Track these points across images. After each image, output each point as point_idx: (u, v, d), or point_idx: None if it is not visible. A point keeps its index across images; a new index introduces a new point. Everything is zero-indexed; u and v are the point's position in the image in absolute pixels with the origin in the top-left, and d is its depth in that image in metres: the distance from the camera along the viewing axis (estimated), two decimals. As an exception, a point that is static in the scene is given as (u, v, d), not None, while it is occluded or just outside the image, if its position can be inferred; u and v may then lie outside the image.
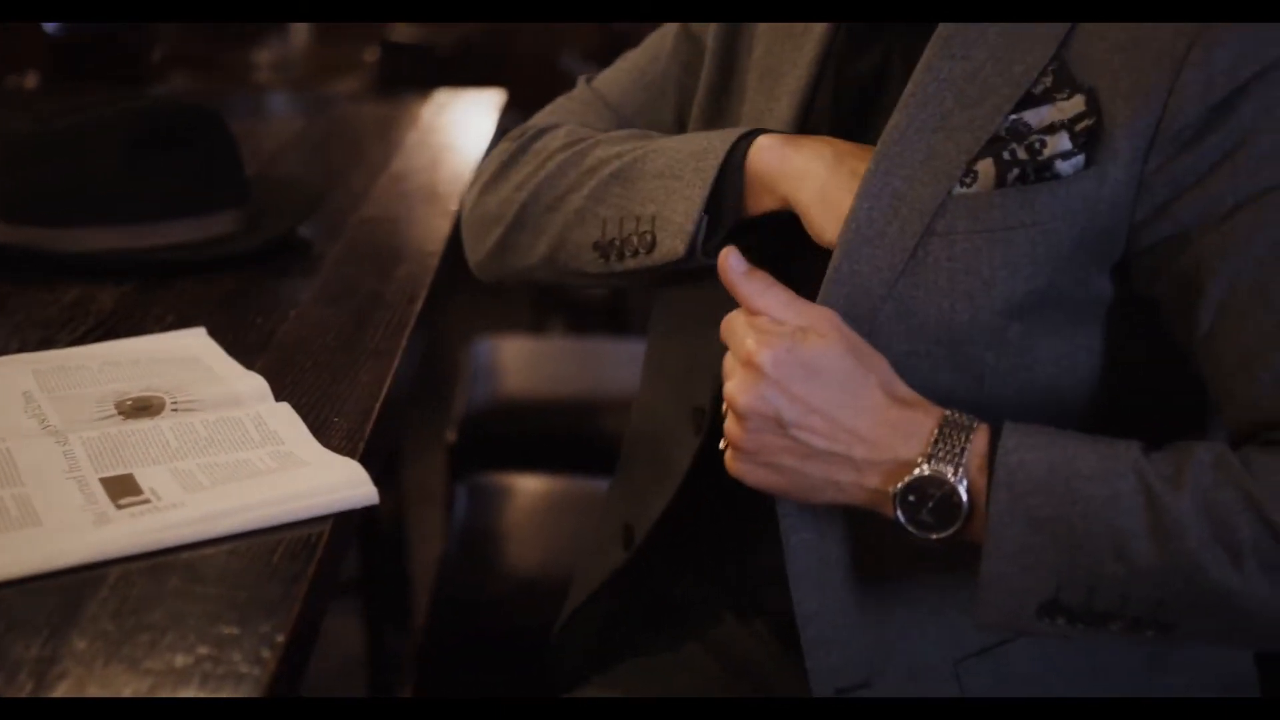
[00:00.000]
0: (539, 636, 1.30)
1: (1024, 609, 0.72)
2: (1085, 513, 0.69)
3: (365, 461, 0.79)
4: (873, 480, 0.73)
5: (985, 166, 0.74)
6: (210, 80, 2.46)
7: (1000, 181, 0.74)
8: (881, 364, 0.74)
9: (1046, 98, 0.74)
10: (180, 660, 0.61)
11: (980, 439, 0.72)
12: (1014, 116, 0.74)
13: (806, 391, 0.72)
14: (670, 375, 0.97)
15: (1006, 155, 0.74)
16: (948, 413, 0.73)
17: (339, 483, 0.75)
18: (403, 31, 3.10)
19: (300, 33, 3.40)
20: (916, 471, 0.71)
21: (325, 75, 2.57)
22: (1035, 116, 0.73)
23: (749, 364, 0.72)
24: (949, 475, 0.71)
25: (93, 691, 0.59)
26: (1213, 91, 0.70)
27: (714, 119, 0.94)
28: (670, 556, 0.99)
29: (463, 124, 1.74)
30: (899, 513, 0.73)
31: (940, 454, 0.71)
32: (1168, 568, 0.68)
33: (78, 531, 0.70)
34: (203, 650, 0.62)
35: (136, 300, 1.03)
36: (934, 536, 0.72)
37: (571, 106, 1.03)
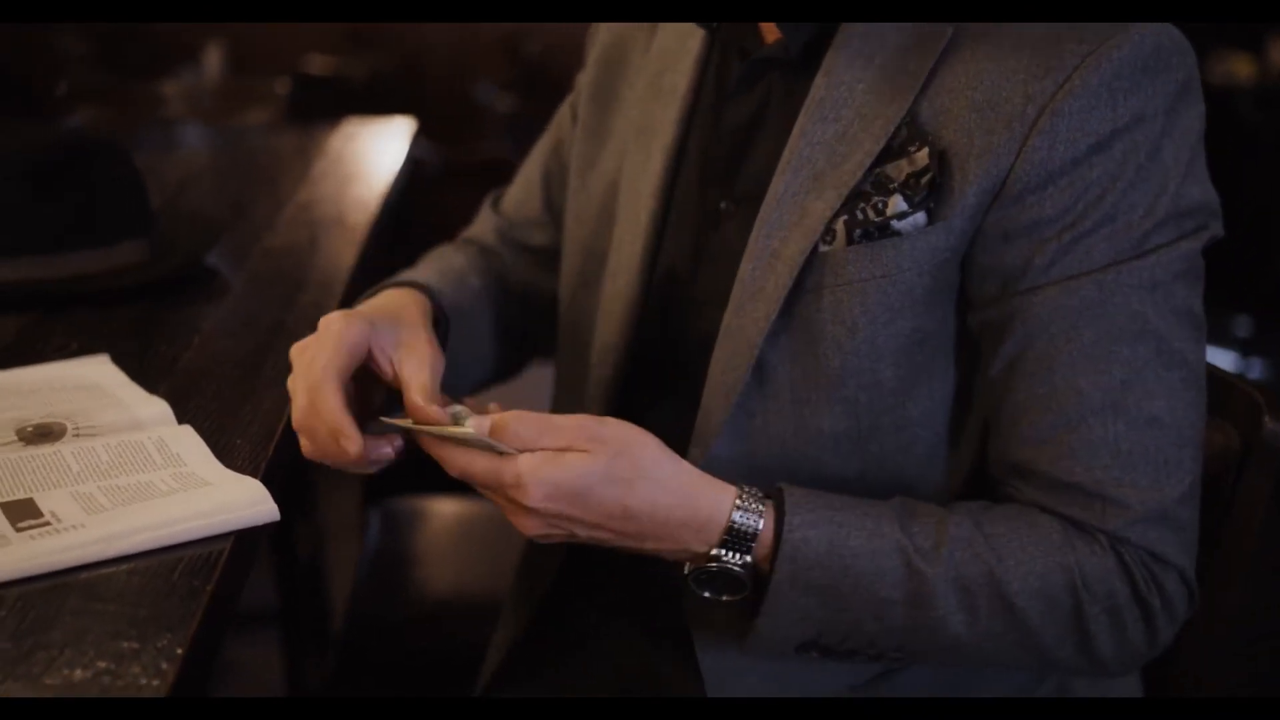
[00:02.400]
0: (451, 657, 1.32)
1: (786, 648, 0.81)
2: (855, 584, 0.77)
3: (267, 483, 0.81)
4: (671, 557, 0.79)
5: (840, 226, 0.80)
6: (118, 113, 2.45)
7: (850, 239, 0.80)
8: (653, 457, 0.76)
9: (902, 150, 0.79)
10: (79, 675, 0.62)
11: (767, 525, 0.77)
12: (877, 170, 0.79)
13: (584, 511, 0.75)
14: (568, 404, 1.01)
15: (859, 214, 0.80)
16: (737, 501, 0.77)
17: (240, 501, 0.77)
18: (315, 63, 3.11)
19: (211, 65, 3.39)
20: (711, 565, 0.77)
21: (236, 107, 2.57)
22: (894, 169, 0.79)
23: (518, 505, 0.75)
24: (737, 567, 0.77)
25: (-9, 707, 0.60)
26: (1054, 159, 0.75)
27: (587, 171, 1.00)
28: (582, 579, 1.02)
29: (372, 152, 1.76)
30: (690, 581, 0.79)
31: (731, 543, 0.77)
32: (917, 626, 0.78)
33: (-23, 554, 0.71)
34: (101, 664, 0.63)
35: (38, 330, 1.04)
36: (706, 595, 0.80)
37: (478, 223, 1.16)
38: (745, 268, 0.83)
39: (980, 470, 0.86)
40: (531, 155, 1.13)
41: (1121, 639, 0.78)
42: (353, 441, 0.77)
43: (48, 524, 0.74)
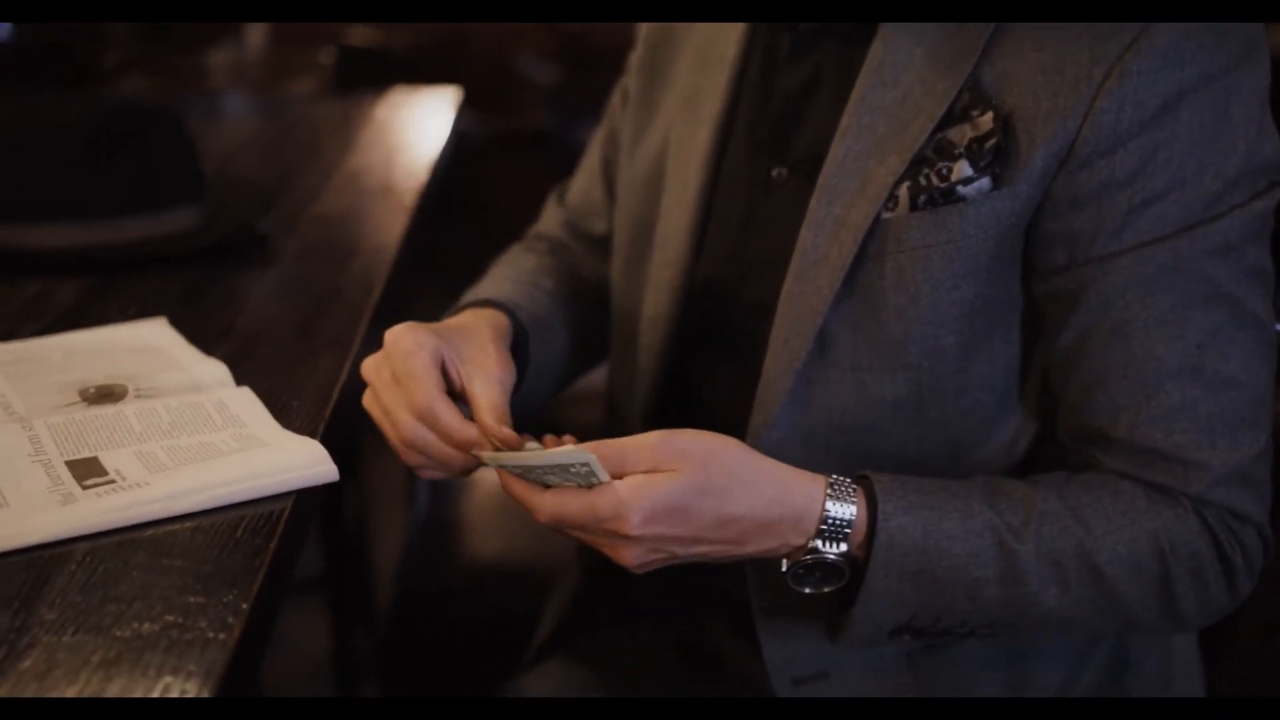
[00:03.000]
0: (499, 624, 1.33)
1: (880, 634, 0.81)
2: (949, 567, 0.77)
3: (324, 444, 0.82)
4: (768, 556, 0.78)
5: (903, 192, 0.79)
6: (164, 84, 2.46)
7: (913, 205, 0.79)
8: (738, 459, 0.75)
9: (964, 115, 0.78)
10: (147, 627, 0.63)
11: (860, 513, 0.76)
12: (939, 135, 0.78)
13: (684, 528, 0.73)
14: (620, 370, 1.01)
15: (923, 180, 0.79)
16: (829, 491, 0.76)
17: (300, 461, 0.78)
18: (359, 34, 3.12)
19: (255, 36, 3.41)
20: (807, 557, 0.77)
21: (281, 78, 2.57)
22: (957, 133, 0.78)
23: (617, 536, 0.73)
24: (837, 555, 0.76)
25: (62, 658, 0.61)
26: (1122, 121, 0.74)
27: (636, 143, 1.00)
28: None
29: (418, 121, 1.77)
30: (789, 578, 0.78)
31: (826, 534, 0.76)
32: (1009, 603, 0.78)
33: (45, 510, 0.72)
34: (169, 618, 0.64)
35: (97, 294, 1.05)
36: (808, 590, 0.79)
37: (545, 218, 1.16)
38: (806, 235, 0.82)
39: (1039, 436, 0.85)
40: (590, 144, 1.13)
41: (1204, 597, 0.79)
42: (510, 437, 0.77)
43: (112, 482, 0.75)
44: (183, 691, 0.59)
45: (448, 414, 0.78)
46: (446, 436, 0.79)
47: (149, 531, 0.72)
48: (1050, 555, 0.76)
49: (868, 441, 0.84)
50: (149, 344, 0.95)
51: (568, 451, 0.71)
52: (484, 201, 2.69)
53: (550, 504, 0.73)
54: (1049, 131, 0.75)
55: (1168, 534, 0.77)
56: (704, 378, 0.94)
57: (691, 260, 0.92)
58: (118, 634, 0.63)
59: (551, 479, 0.73)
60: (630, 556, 0.74)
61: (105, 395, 0.86)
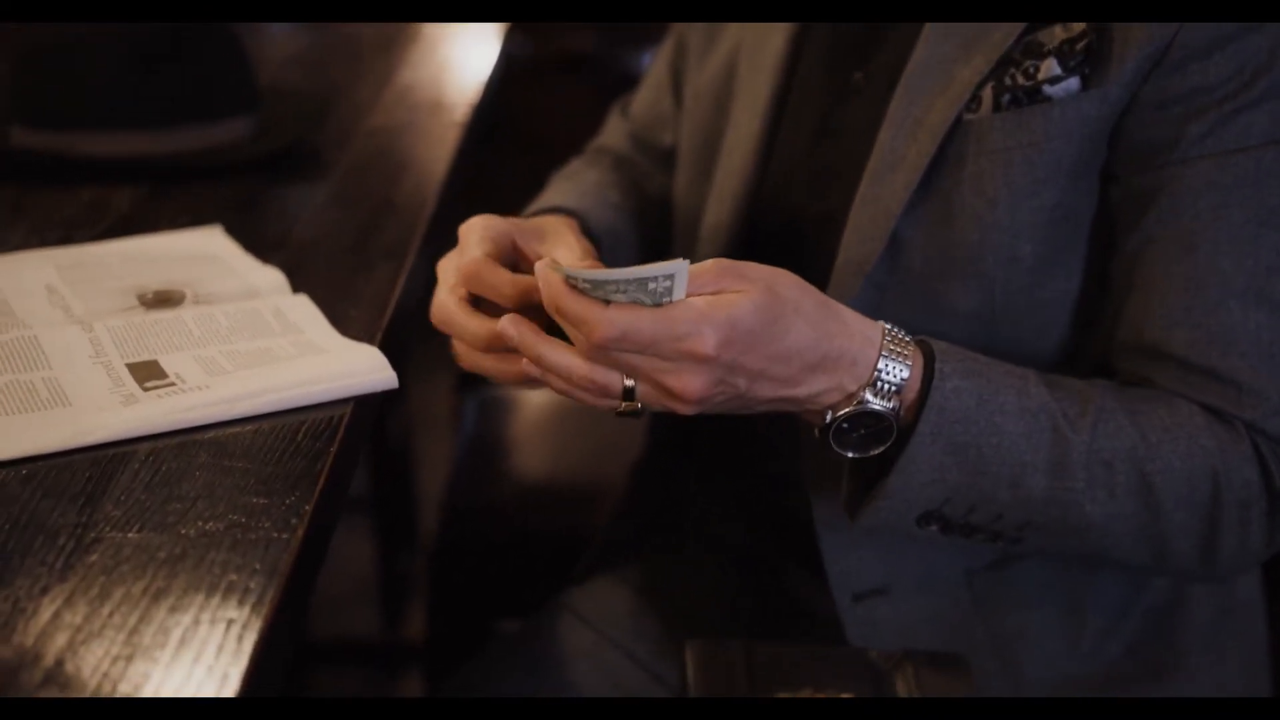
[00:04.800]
0: (548, 542, 1.33)
1: (907, 517, 0.75)
2: (999, 444, 0.73)
3: (383, 350, 0.81)
4: (813, 409, 0.73)
5: (986, 92, 0.76)
6: None
7: (997, 106, 0.76)
8: (797, 286, 0.70)
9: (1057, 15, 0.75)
10: (211, 526, 0.63)
11: (915, 370, 0.72)
12: (1028, 37, 0.76)
13: (752, 355, 0.68)
14: None
15: (1007, 80, 0.76)
16: (885, 336, 0.72)
17: (359, 367, 0.77)
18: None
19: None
20: (855, 405, 0.71)
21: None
22: (1047, 34, 0.75)
23: (690, 357, 0.66)
24: (886, 408, 0.71)
25: (128, 554, 0.61)
26: (1223, 26, 0.71)
27: (707, 50, 0.98)
28: (685, 463, 1.02)
29: (467, 39, 1.74)
30: (830, 436, 0.73)
31: (880, 386, 0.71)
32: (1051, 500, 0.74)
33: (107, 410, 0.72)
34: (234, 518, 0.64)
35: (152, 202, 1.05)
36: (850, 454, 0.73)
37: (607, 132, 1.15)
38: (885, 135, 0.80)
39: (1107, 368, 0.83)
40: (655, 58, 1.10)
41: (1244, 534, 0.76)
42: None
43: (173, 384, 0.75)
44: (246, 589, 0.59)
45: (492, 272, 0.74)
46: (493, 292, 0.74)
47: (210, 434, 0.72)
48: (1102, 454, 0.73)
49: None
50: (205, 251, 0.94)
51: (657, 265, 0.63)
52: (528, 125, 2.66)
53: (619, 318, 0.64)
54: (1145, 33, 0.72)
55: (1223, 456, 0.73)
56: None
57: (759, 169, 0.90)
58: (183, 531, 0.63)
59: (618, 297, 0.65)
60: (697, 386, 0.67)
61: (163, 300, 0.86)
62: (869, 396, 0.71)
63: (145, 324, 0.82)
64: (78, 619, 0.56)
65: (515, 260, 0.79)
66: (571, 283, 0.66)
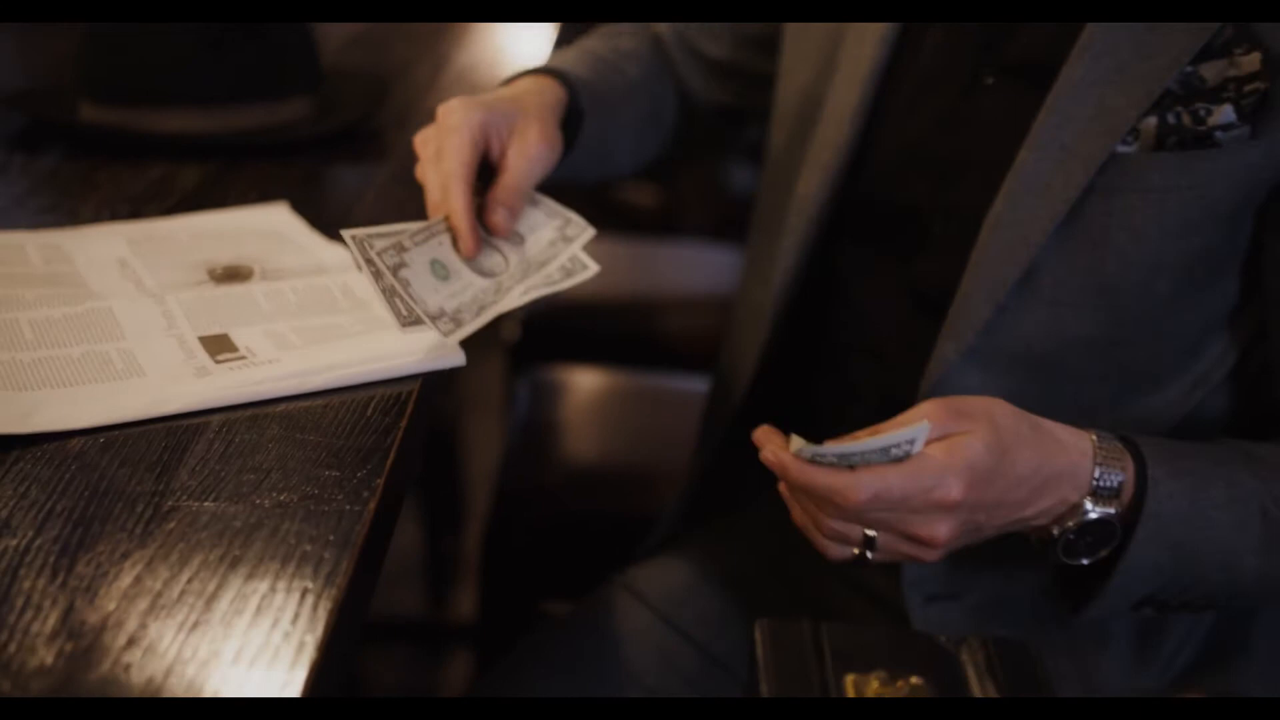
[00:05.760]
0: (601, 524, 1.34)
1: (1125, 606, 0.78)
2: (1211, 536, 0.74)
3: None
4: (1046, 520, 0.74)
5: (1148, 126, 0.74)
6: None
7: (1159, 145, 0.73)
8: (1010, 412, 0.72)
9: (1225, 51, 0.72)
10: (285, 497, 0.64)
11: (1128, 467, 0.73)
12: (1189, 69, 0.72)
13: (990, 492, 0.70)
14: (755, 267, 0.99)
15: (1171, 119, 0.73)
16: (1095, 446, 0.73)
17: (427, 345, 0.78)
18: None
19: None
20: (1080, 516, 0.73)
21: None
22: (1211, 70, 0.72)
23: (939, 507, 0.69)
24: (1108, 513, 0.73)
25: (205, 521, 0.61)
26: None
27: None
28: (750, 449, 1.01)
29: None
30: (1060, 549, 0.74)
31: (1099, 493, 0.73)
32: (1264, 576, 0.76)
33: (181, 382, 0.73)
34: (307, 489, 0.65)
35: (218, 178, 1.06)
36: (1084, 561, 0.75)
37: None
38: (1027, 156, 0.76)
39: (1210, 388, 0.82)
40: None
41: None
42: (468, 243, 0.79)
43: (244, 358, 0.76)
44: (321, 559, 0.59)
45: (458, 194, 0.79)
46: (453, 218, 0.80)
47: (280, 407, 0.73)
48: None
49: (1046, 374, 0.80)
50: (272, 227, 0.95)
51: (898, 431, 0.67)
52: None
53: (869, 483, 0.67)
54: None
55: None
56: (854, 272, 0.90)
57: (854, 144, 0.87)
58: (257, 501, 0.63)
59: (864, 462, 0.68)
60: (944, 532, 0.69)
61: (232, 275, 0.87)
62: (1090, 505, 0.73)
63: (215, 298, 0.83)
64: (158, 585, 0.57)
65: (485, 149, 0.83)
66: (819, 459, 0.68)
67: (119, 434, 0.68)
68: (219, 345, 0.77)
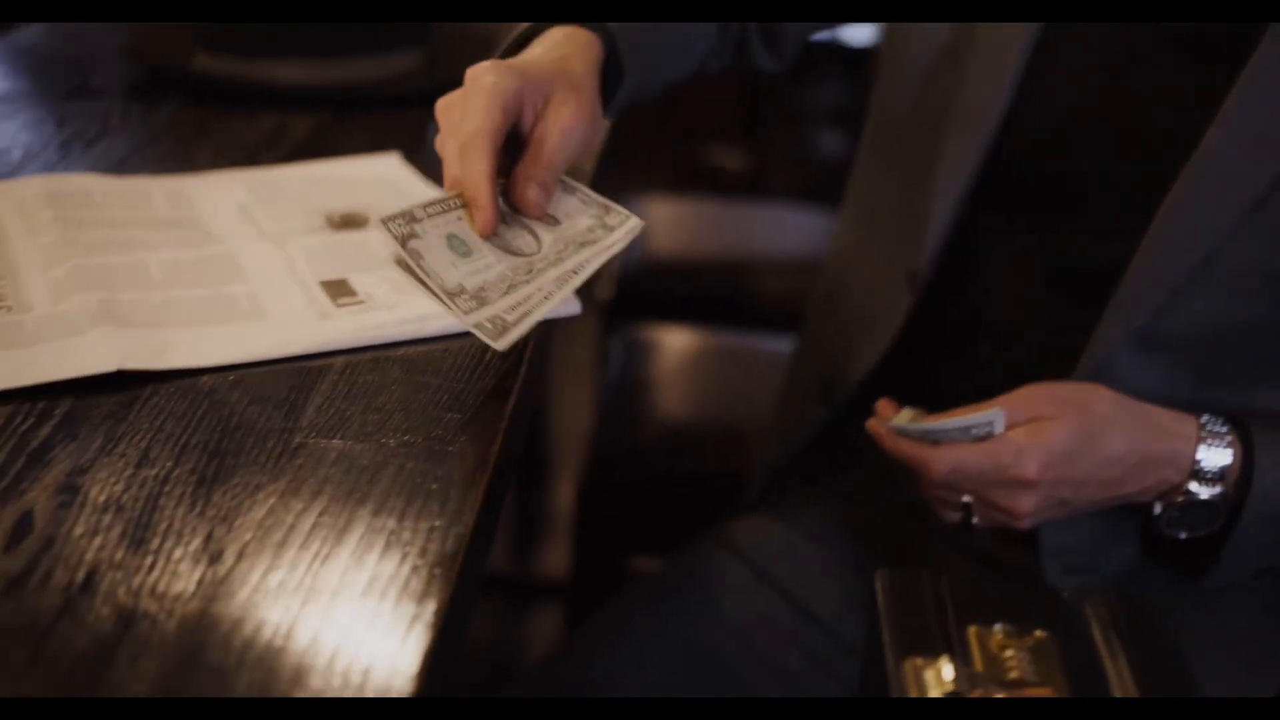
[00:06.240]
0: (695, 481, 1.34)
1: (1243, 576, 0.81)
2: None
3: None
4: (1145, 496, 0.77)
5: None
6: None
7: None
8: (1109, 399, 0.75)
9: None
10: (409, 439, 0.65)
11: (1236, 448, 0.75)
12: None
13: (1074, 471, 0.74)
14: (880, 232, 0.96)
15: None
16: (1201, 429, 0.75)
17: (543, 292, 0.78)
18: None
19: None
20: (1183, 496, 0.76)
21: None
22: None
23: (1017, 484, 0.74)
24: (1213, 494, 0.75)
25: (333, 458, 0.63)
26: None
27: None
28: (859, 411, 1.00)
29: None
30: (1162, 523, 0.78)
31: (1203, 475, 0.75)
32: None
33: (304, 324, 0.74)
34: (431, 431, 0.66)
35: (330, 129, 1.07)
36: (1182, 535, 0.78)
37: None
38: (1214, 137, 0.73)
39: None
40: None
41: None
42: (486, 216, 0.68)
43: (363, 302, 0.77)
44: (447, 498, 0.60)
45: (477, 159, 0.68)
46: (469, 185, 0.69)
47: (401, 351, 0.74)
48: None
49: (1206, 357, 0.79)
50: (385, 177, 0.96)
51: (976, 414, 0.74)
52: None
53: (948, 457, 0.74)
54: None
55: None
56: (993, 243, 0.87)
57: (1009, 107, 0.82)
58: (382, 441, 0.65)
59: (947, 439, 0.76)
60: (1027, 505, 0.75)
61: (349, 222, 0.88)
62: (1194, 486, 0.75)
63: (334, 244, 0.84)
64: (290, 517, 0.58)
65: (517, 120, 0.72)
66: (903, 434, 0.78)
67: (247, 373, 0.70)
68: (339, 290, 0.78)
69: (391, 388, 0.70)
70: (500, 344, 0.66)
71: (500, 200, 0.71)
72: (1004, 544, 0.88)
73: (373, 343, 0.73)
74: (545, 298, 0.69)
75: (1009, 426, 0.74)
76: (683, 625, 1.00)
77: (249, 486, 0.60)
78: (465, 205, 0.69)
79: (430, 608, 0.54)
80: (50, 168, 0.95)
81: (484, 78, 0.71)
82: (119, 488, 0.59)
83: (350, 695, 0.49)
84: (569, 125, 0.72)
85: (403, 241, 0.67)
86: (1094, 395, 0.75)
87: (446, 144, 0.71)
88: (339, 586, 0.55)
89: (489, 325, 0.67)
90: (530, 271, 0.70)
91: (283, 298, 0.77)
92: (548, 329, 0.77)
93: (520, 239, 0.72)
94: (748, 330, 1.63)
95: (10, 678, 0.48)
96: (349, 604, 0.54)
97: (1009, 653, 0.56)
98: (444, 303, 0.66)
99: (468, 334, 0.75)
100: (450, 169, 0.70)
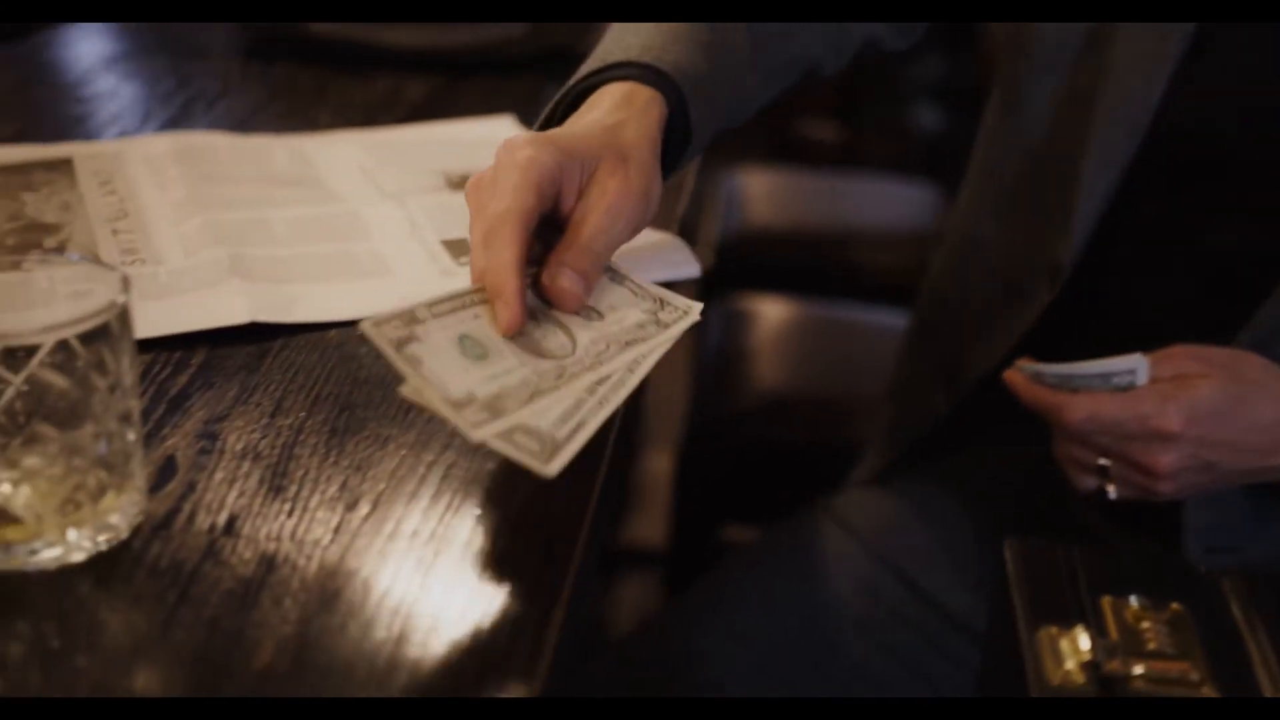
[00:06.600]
0: (796, 452, 1.33)
1: None
2: None
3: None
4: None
5: None
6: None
7: None
8: (1261, 365, 0.72)
9: None
10: (535, 395, 0.65)
11: None
12: None
13: (1220, 431, 0.71)
14: (1013, 221, 0.93)
15: None
16: None
17: (664, 255, 0.78)
18: None
19: None
20: None
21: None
22: None
23: (1157, 437, 0.71)
24: None
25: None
26: None
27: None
28: (1000, 410, 0.98)
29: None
30: None
31: None
32: None
33: (428, 282, 0.75)
34: (557, 387, 0.66)
35: (444, 92, 1.08)
36: None
37: None
38: None
39: None
40: None
41: None
42: (510, 312, 0.57)
43: (484, 262, 0.77)
44: (587, 450, 0.60)
45: (504, 246, 0.58)
46: (493, 274, 0.57)
47: (525, 312, 0.74)
48: None
49: None
50: (500, 138, 0.96)
51: (1118, 360, 0.71)
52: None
53: (1086, 404, 0.71)
54: None
55: None
56: (1141, 231, 0.84)
57: (1172, 93, 0.78)
58: (509, 397, 0.65)
59: (1086, 386, 0.73)
60: (1167, 462, 0.71)
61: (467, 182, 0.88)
62: None
63: (453, 204, 0.85)
64: (421, 468, 0.59)
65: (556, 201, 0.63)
66: (1039, 379, 0.75)
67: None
68: (460, 249, 0.79)
69: (515, 345, 0.70)
70: (551, 469, 0.52)
71: (530, 293, 0.60)
72: (1128, 529, 0.86)
73: (495, 302, 0.74)
74: (600, 403, 0.57)
75: (1152, 381, 0.71)
76: (786, 596, 0.99)
77: (379, 438, 0.61)
78: (487, 300, 0.58)
79: (562, 556, 0.54)
80: (174, 126, 0.97)
81: (518, 152, 0.61)
82: (255, 435, 0.61)
83: (484, 643, 0.49)
84: (614, 203, 0.62)
85: (397, 346, 0.53)
86: (1245, 360, 0.72)
87: (472, 229, 0.61)
88: (470, 538, 0.55)
89: (532, 445, 0.53)
90: (560, 376, 0.57)
91: (405, 255, 0.78)
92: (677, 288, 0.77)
93: (551, 338, 0.59)
94: (847, 301, 1.62)
95: (164, 616, 0.49)
96: (481, 554, 0.54)
97: (1145, 624, 0.55)
98: (446, 416, 0.52)
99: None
100: (475, 258, 0.59)
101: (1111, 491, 0.74)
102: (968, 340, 0.95)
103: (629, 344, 0.60)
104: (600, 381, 0.58)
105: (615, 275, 0.64)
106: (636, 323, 0.62)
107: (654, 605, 1.75)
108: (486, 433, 0.52)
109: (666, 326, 0.62)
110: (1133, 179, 0.81)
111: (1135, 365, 0.70)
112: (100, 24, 1.20)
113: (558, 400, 0.56)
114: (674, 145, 0.71)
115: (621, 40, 0.73)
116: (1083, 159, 0.82)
